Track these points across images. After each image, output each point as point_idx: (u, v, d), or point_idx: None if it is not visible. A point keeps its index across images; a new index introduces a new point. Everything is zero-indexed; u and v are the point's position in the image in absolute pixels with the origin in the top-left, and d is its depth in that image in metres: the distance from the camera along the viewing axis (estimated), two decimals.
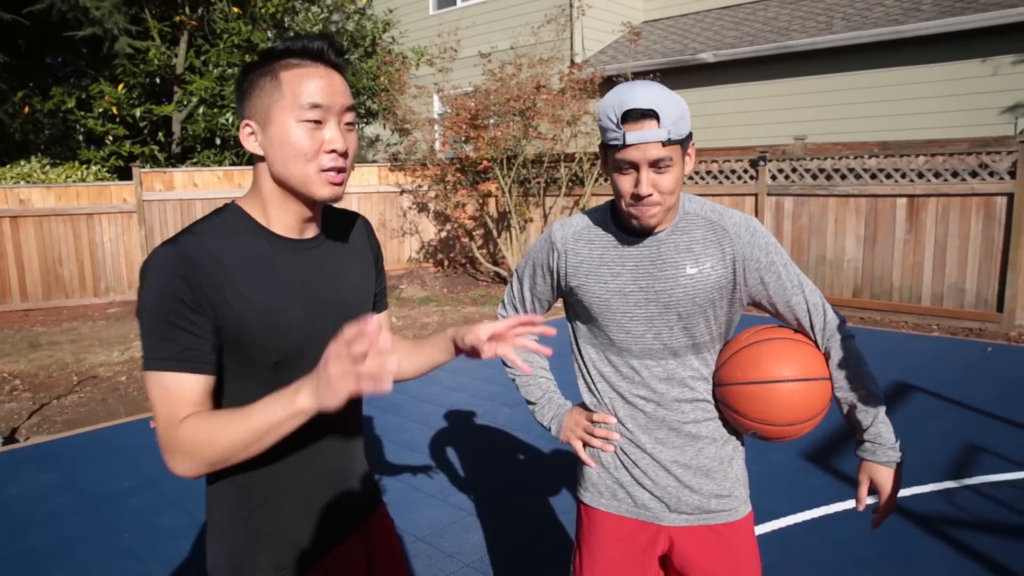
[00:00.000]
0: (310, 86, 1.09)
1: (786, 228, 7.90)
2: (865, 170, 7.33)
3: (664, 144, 1.30)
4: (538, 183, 9.68)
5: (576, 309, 1.56)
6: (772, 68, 9.37)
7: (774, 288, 1.45)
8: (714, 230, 1.44)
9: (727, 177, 8.29)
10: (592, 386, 1.55)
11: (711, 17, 11.18)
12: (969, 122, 7.95)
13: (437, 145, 9.72)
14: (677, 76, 9.99)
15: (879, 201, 7.28)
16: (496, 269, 9.94)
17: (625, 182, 1.36)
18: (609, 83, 9.42)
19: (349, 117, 1.15)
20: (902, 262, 7.18)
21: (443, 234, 10.73)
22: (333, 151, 1.11)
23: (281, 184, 1.14)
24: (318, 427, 1.13)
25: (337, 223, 1.30)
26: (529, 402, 1.67)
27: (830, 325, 1.46)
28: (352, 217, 1.35)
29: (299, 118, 1.09)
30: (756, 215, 7.97)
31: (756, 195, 8.04)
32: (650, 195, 1.34)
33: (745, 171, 8.13)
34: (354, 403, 1.30)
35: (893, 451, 1.43)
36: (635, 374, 1.49)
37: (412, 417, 4.67)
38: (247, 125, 1.13)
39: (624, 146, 1.32)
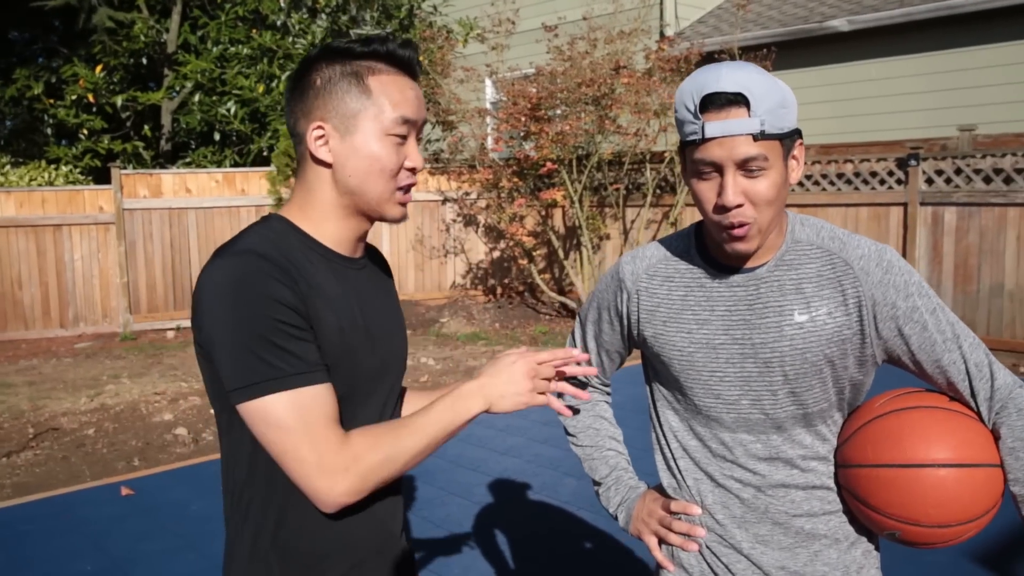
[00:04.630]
0: (403, 99, 1.27)
1: (946, 248, 7.85)
2: None
3: (756, 138, 1.28)
4: (616, 190, 9.75)
5: (654, 365, 1.58)
6: (929, 37, 9.25)
7: (918, 343, 1.40)
8: (833, 264, 1.41)
9: (866, 181, 8.34)
10: (672, 463, 1.56)
11: None
12: None
13: (489, 142, 9.83)
14: (800, 51, 9.96)
15: None
16: (562, 299, 9.98)
17: (706, 189, 1.34)
18: (710, 60, 9.31)
19: (422, 132, 1.35)
20: None
21: (496, 254, 10.90)
22: (412, 169, 1.30)
23: (348, 197, 1.29)
24: None
25: (371, 250, 1.49)
26: (595, 482, 1.69)
27: (1000, 392, 1.38)
28: (374, 248, 1.54)
29: (388, 131, 1.26)
30: (905, 231, 8.02)
31: (905, 204, 8.04)
32: (740, 205, 1.31)
33: (890, 173, 8.15)
34: None
35: None
36: (728, 451, 1.48)
37: (450, 488, 4.66)
38: (320, 127, 1.26)
39: (703, 141, 1.30)
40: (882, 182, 8.19)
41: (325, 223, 1.29)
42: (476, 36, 10.88)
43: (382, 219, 1.31)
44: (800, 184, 8.74)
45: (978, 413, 1.40)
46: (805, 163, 7.89)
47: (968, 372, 1.39)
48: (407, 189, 1.31)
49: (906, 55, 9.42)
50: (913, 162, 7.92)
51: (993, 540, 3.83)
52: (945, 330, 1.39)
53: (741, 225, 1.32)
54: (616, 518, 1.63)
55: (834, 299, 1.39)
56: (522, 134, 9.32)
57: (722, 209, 1.32)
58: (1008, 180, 7.42)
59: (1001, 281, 7.53)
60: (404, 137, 1.27)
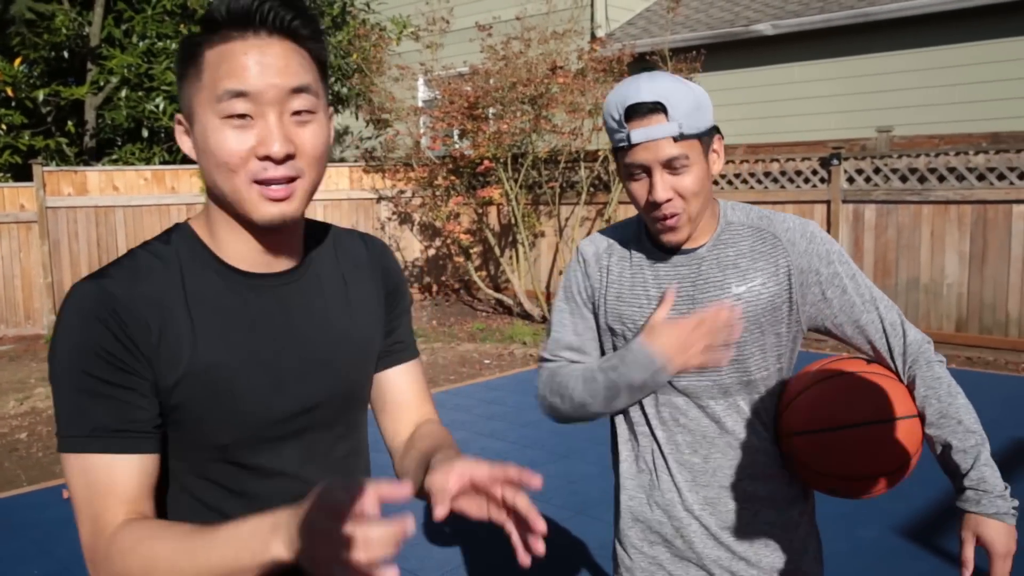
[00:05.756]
0: (231, 69, 1.01)
1: (867, 244, 8.14)
2: (971, 170, 7.50)
3: (676, 140, 1.42)
4: (552, 188, 9.83)
5: (612, 340, 1.65)
6: (848, 42, 9.53)
7: (839, 305, 1.55)
8: (763, 239, 1.56)
9: (791, 180, 8.58)
10: (630, 431, 1.64)
11: None
12: None
13: (424, 141, 9.83)
14: (727, 53, 10.18)
15: (989, 209, 7.44)
16: (498, 296, 10.02)
17: (638, 188, 1.49)
18: (641, 62, 9.57)
19: (300, 103, 1.05)
20: (1021, 286, 7.35)
21: (432, 252, 10.97)
22: (267, 157, 1.02)
23: (221, 200, 1.09)
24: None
25: (331, 250, 1.24)
26: (606, 382, 1.58)
27: (912, 347, 1.54)
28: (359, 240, 1.30)
29: (220, 113, 1.02)
30: (829, 227, 8.30)
31: (828, 202, 8.31)
32: (669, 199, 1.45)
33: (814, 172, 8.42)
34: None
35: (1003, 500, 1.45)
36: (681, 415, 1.57)
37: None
38: (179, 122, 1.10)
39: (631, 146, 1.44)
40: (806, 180, 8.46)
41: (220, 232, 1.11)
42: (410, 34, 10.81)
43: (251, 223, 1.08)
44: (729, 183, 9.02)
45: (895, 369, 1.55)
46: (734, 162, 7.99)
47: (885, 330, 1.54)
48: (268, 182, 1.04)
49: (827, 59, 9.71)
50: (835, 162, 8.23)
51: (920, 514, 4.01)
52: (864, 293, 1.55)
53: (673, 215, 1.47)
54: (656, 368, 1.51)
55: (767, 270, 1.54)
56: (458, 133, 9.32)
57: (654, 205, 1.46)
58: (922, 179, 7.77)
59: (917, 275, 7.88)
60: (244, 116, 1.02)
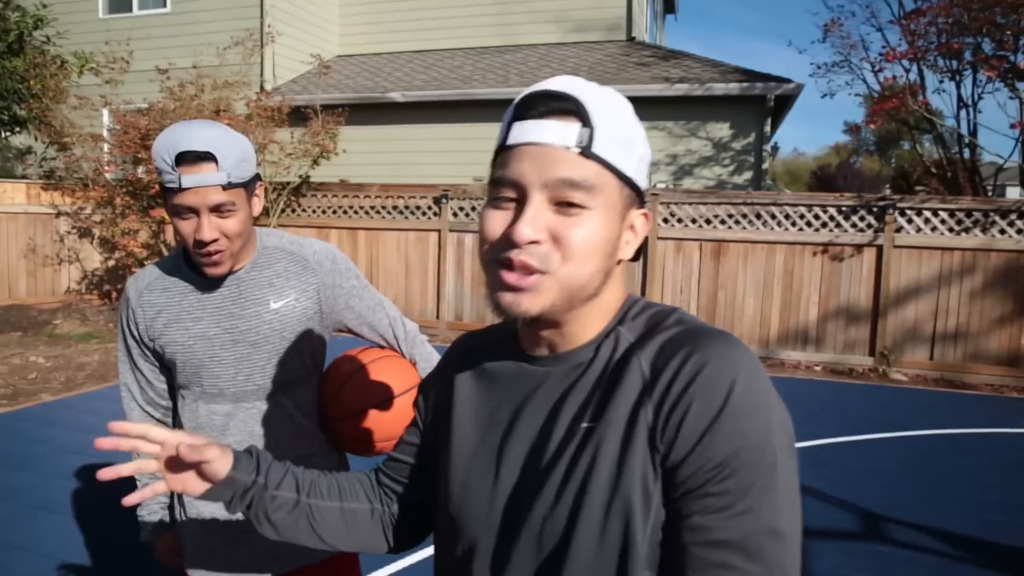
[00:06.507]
0: None
1: (467, 263, 9.65)
2: None
3: (224, 188, 1.44)
4: None
5: (168, 368, 1.69)
6: (456, 112, 11.77)
7: (359, 311, 1.74)
8: (296, 261, 1.66)
9: (412, 213, 9.92)
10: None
11: (402, 59, 13.69)
12: None
13: (105, 164, 10.32)
14: (367, 112, 11.99)
15: None
16: None
17: (186, 227, 1.48)
18: (298, 113, 10.80)
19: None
20: None
21: (111, 263, 11.20)
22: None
23: None
24: None
25: None
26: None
27: (410, 334, 1.82)
28: None
29: None
30: (439, 250, 9.78)
31: (439, 231, 9.71)
32: (215, 239, 1.48)
33: (429, 207, 9.78)
34: None
35: None
36: (229, 421, 1.64)
37: (56, 472, 4.65)
38: None
39: (181, 190, 1.43)
40: (423, 214, 9.76)
41: None
42: (91, 69, 11.08)
43: None
44: (367, 213, 10.08)
45: (400, 350, 1.80)
46: (370, 196, 10.00)
47: (392, 325, 1.79)
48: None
49: (441, 123, 11.87)
50: (444, 200, 9.59)
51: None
52: (375, 298, 1.77)
53: (217, 252, 1.50)
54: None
55: (299, 288, 1.64)
56: (132, 159, 9.76)
57: (200, 244, 1.48)
58: None
59: None
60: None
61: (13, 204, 10.39)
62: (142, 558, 3.49)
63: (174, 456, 1.08)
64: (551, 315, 0.90)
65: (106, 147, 10.33)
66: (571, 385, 0.93)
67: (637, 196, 0.92)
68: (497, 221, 0.89)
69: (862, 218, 8.41)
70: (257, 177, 1.56)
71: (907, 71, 13.45)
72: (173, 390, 1.75)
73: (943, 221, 8.15)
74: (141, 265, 10.50)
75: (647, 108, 10.67)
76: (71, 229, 10.96)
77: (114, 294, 11.30)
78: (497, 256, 0.89)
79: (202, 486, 1.10)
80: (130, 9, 13.71)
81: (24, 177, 12.20)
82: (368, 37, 14.36)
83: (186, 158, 1.41)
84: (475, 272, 9.66)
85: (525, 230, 0.85)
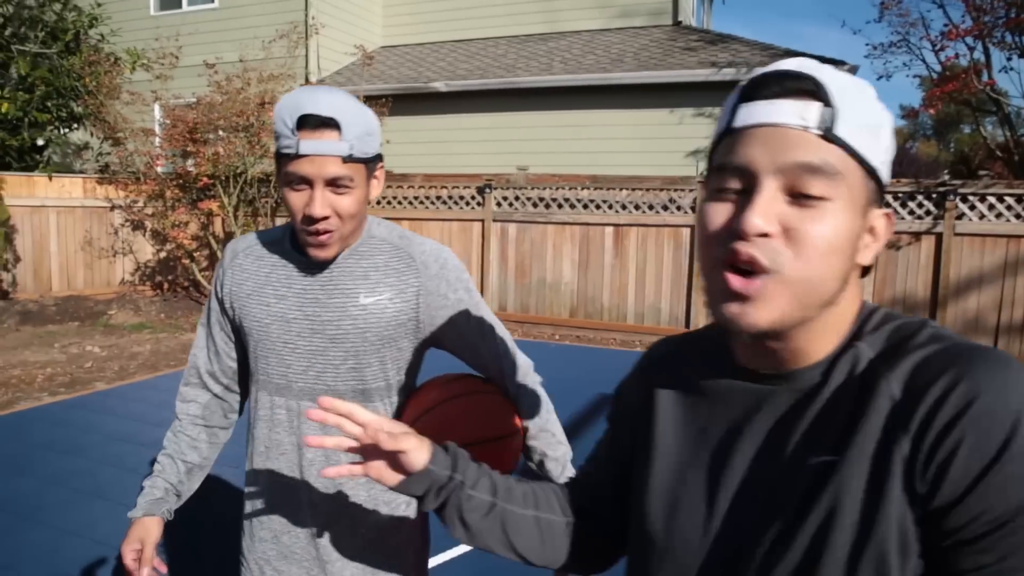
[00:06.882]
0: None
1: (510, 252, 9.59)
2: (579, 200, 9.15)
3: (345, 160, 1.32)
4: (266, 203, 10.72)
5: (245, 339, 1.56)
6: (499, 101, 11.64)
7: (463, 331, 1.50)
8: (399, 257, 1.48)
9: (456, 203, 9.87)
10: (251, 434, 1.57)
11: (445, 48, 13.58)
12: (660, 162, 10.69)
13: (156, 158, 10.47)
14: (410, 102, 11.95)
15: (591, 229, 9.09)
16: None
17: (297, 200, 1.36)
18: None
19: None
20: (610, 285, 9.06)
21: (162, 255, 11.40)
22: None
23: None
24: None
25: None
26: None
27: (521, 370, 1.54)
28: None
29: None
30: (484, 240, 9.70)
31: (483, 221, 9.66)
32: (326, 217, 1.34)
33: (473, 198, 9.73)
34: None
35: None
36: (294, 418, 1.49)
37: (105, 460, 4.70)
38: None
39: (297, 156, 1.31)
40: (467, 204, 9.76)
41: None
42: (142, 66, 11.20)
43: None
44: (410, 203, 10.11)
45: (504, 388, 1.53)
46: (414, 187, 9.91)
47: (500, 356, 1.51)
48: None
49: (484, 112, 11.73)
50: (488, 190, 9.53)
51: None
52: (484, 321, 1.51)
53: (326, 232, 1.36)
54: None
55: (396, 287, 1.45)
56: (182, 153, 9.92)
57: (310, 219, 1.34)
58: (548, 206, 9.27)
59: (544, 276, 9.38)
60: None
61: (71, 198, 10.63)
62: (193, 544, 3.54)
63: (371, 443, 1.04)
64: (782, 327, 0.77)
65: (157, 141, 10.50)
66: (802, 408, 0.80)
67: (879, 192, 0.79)
68: (720, 214, 0.78)
69: (920, 205, 8.06)
70: (379, 157, 1.43)
71: (971, 49, 12.89)
72: (245, 378, 1.66)
73: (1009, 207, 7.77)
74: (191, 257, 10.69)
75: (694, 94, 10.42)
76: (124, 222, 11.16)
77: (165, 285, 11.47)
78: (720, 254, 0.77)
79: (396, 477, 1.04)
80: (179, 5, 13.90)
81: (81, 172, 12.41)
82: (411, 27, 14.30)
83: (308, 122, 1.30)
84: (518, 262, 9.60)
85: (755, 220, 0.73)
